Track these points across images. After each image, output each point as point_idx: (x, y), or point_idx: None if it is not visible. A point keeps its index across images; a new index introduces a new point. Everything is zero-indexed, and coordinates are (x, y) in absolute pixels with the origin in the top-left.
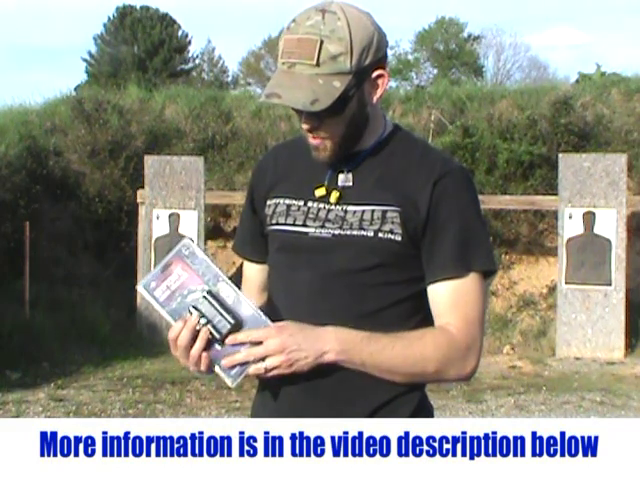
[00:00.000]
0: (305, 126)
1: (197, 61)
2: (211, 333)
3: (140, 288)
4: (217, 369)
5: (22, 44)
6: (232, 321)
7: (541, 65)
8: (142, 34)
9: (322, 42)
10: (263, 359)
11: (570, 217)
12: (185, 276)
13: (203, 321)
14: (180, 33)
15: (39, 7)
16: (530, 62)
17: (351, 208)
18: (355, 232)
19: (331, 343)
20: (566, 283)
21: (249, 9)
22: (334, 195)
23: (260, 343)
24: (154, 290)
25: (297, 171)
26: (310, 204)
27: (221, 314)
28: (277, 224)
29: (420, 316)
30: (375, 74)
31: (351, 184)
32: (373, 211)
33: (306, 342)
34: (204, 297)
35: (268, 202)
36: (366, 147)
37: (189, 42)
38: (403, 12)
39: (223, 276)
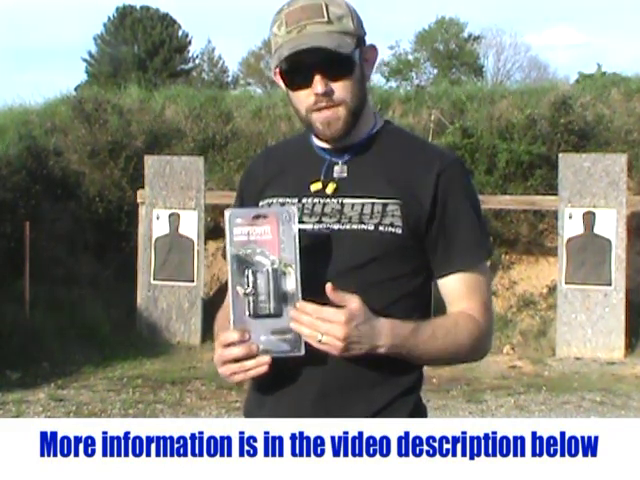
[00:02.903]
0: (320, 89)
1: (197, 61)
2: (248, 303)
3: (228, 212)
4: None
5: (22, 44)
6: (272, 311)
7: (541, 65)
8: (142, 34)
9: (327, 4)
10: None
11: (570, 217)
12: (269, 238)
13: (249, 290)
14: (180, 33)
15: (39, 7)
16: (530, 62)
17: (348, 201)
18: (355, 226)
19: (386, 339)
20: (566, 283)
21: (249, 9)
22: (331, 187)
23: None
24: (236, 226)
25: (290, 169)
26: (305, 200)
27: (269, 298)
28: None
29: (419, 313)
30: (368, 45)
31: (346, 175)
32: (373, 204)
33: (367, 336)
34: (267, 271)
35: (261, 202)
36: (358, 140)
37: (189, 42)
38: (403, 12)
39: (298, 264)
